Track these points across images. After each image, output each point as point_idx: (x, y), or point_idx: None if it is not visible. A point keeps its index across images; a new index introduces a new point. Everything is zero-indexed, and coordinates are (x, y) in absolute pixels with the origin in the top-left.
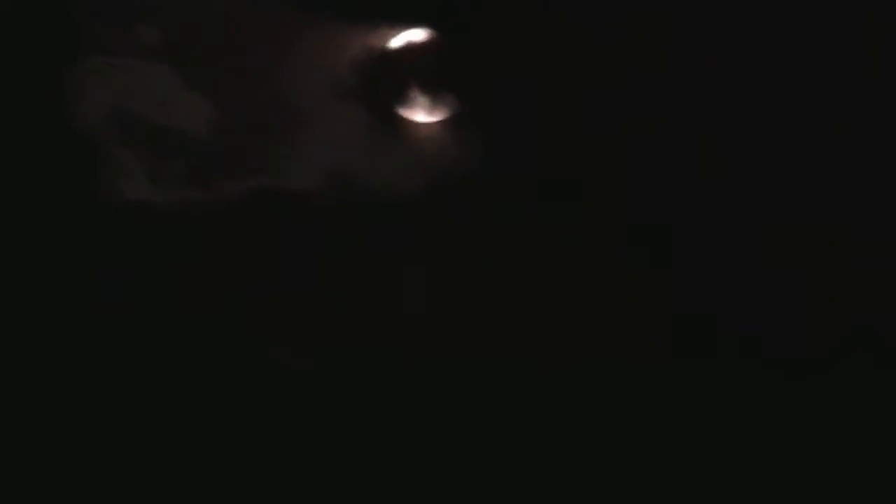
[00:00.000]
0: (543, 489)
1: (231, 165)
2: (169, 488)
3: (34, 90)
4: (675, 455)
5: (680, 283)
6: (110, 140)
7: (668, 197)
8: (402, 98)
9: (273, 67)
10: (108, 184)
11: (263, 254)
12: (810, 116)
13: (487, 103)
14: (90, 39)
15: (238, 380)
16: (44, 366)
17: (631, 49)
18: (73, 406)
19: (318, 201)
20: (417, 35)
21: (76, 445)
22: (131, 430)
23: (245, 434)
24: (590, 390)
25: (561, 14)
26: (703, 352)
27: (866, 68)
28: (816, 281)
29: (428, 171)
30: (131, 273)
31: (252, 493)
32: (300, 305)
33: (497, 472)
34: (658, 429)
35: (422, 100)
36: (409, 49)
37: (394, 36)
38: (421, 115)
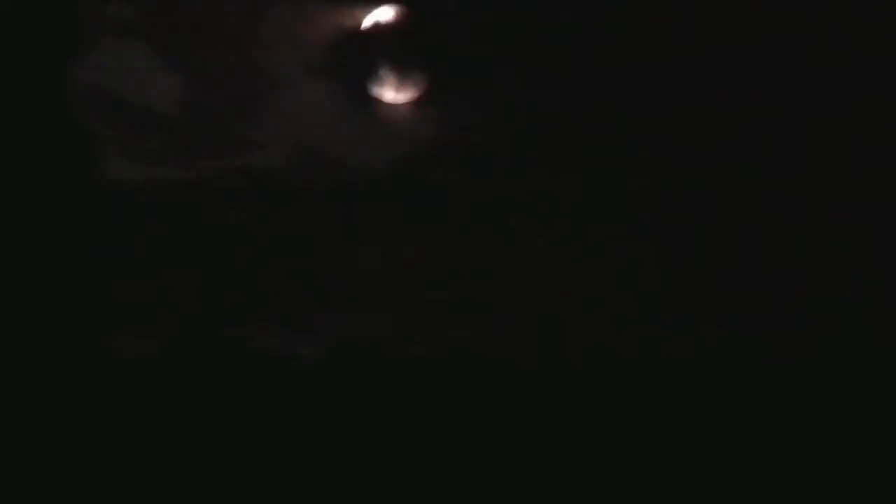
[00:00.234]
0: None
1: (205, 142)
2: (168, 483)
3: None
4: (674, 455)
5: (674, 273)
6: (85, 117)
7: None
8: (375, 76)
9: (247, 46)
10: (83, 161)
11: (237, 230)
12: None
13: (459, 81)
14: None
15: (211, 360)
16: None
17: (607, 17)
18: (64, 393)
19: (291, 178)
20: (389, 13)
21: (72, 432)
22: (121, 414)
23: (229, 426)
24: (578, 376)
25: None
26: (703, 347)
27: (867, 68)
28: (816, 279)
29: (400, 149)
30: (107, 250)
31: (251, 490)
32: (274, 283)
33: (481, 461)
34: (656, 426)
35: (393, 77)
36: (381, 27)
37: (366, 14)
38: (393, 92)
